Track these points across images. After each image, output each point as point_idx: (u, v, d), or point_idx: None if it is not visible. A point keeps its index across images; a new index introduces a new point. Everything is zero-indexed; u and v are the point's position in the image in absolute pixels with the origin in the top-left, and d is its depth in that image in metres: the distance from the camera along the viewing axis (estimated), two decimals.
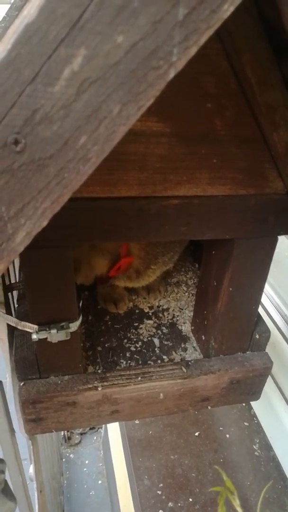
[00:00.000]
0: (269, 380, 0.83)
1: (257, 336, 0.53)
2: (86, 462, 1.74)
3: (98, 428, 1.87)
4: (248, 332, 0.52)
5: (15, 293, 0.57)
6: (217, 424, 0.81)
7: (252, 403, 0.86)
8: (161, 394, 0.52)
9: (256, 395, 0.56)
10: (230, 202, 0.40)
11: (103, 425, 1.62)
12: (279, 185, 0.41)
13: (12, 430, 0.50)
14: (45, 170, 0.23)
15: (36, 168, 0.23)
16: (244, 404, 0.87)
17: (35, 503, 0.63)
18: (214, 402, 0.55)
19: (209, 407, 0.55)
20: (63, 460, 1.73)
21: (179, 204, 0.39)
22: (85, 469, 1.71)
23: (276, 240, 0.45)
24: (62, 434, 1.79)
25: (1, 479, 0.37)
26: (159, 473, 0.74)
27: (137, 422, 0.83)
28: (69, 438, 1.81)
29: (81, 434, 1.85)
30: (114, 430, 1.17)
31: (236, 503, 0.34)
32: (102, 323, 0.60)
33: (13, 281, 0.58)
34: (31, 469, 0.66)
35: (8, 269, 0.56)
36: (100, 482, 1.66)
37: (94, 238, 0.40)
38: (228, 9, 0.21)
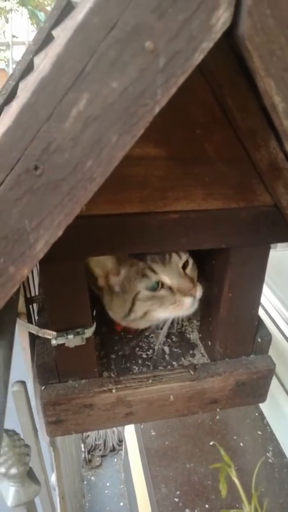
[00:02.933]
0: (281, 389, 0.86)
1: (259, 340, 0.57)
2: (108, 484, 1.75)
3: (119, 451, 1.88)
4: (250, 336, 0.56)
5: (35, 306, 0.62)
6: (231, 434, 0.83)
7: (265, 413, 0.89)
8: (172, 396, 0.55)
9: (262, 397, 0.60)
10: (224, 214, 0.45)
11: (123, 447, 1.64)
12: (267, 199, 0.46)
13: (35, 428, 0.55)
14: (59, 189, 0.28)
15: (52, 188, 0.28)
16: (257, 414, 0.89)
17: (57, 509, 0.66)
18: (222, 404, 0.58)
19: (218, 409, 0.59)
20: (85, 482, 1.74)
21: (178, 218, 0.44)
22: (106, 491, 1.72)
23: (269, 248, 0.49)
24: (83, 456, 1.81)
25: (26, 462, 0.41)
26: (176, 481, 0.76)
27: (153, 433, 0.86)
28: (90, 461, 1.83)
29: (102, 456, 1.87)
30: (134, 451, 1.19)
31: (233, 474, 0.38)
32: (115, 333, 0.65)
33: (33, 294, 0.63)
34: (53, 477, 0.70)
35: (28, 284, 0.62)
36: (122, 504, 1.66)
37: (102, 251, 0.45)
38: (199, 57, 0.26)
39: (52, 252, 0.32)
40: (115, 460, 1.85)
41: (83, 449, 1.80)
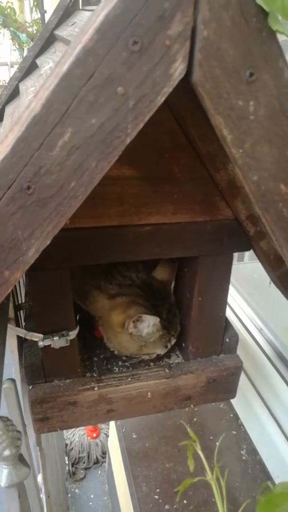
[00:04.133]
0: (254, 392, 0.92)
1: (228, 340, 0.63)
2: (92, 496, 1.76)
3: (102, 463, 1.90)
4: (219, 336, 0.62)
5: (22, 314, 0.67)
6: (207, 434, 0.88)
7: (239, 414, 0.94)
8: (149, 393, 0.61)
9: (232, 393, 0.65)
10: (191, 227, 0.52)
11: (107, 458, 1.66)
12: (228, 213, 0.52)
13: (24, 424, 0.59)
14: (48, 205, 0.34)
15: (42, 204, 0.34)
16: (232, 415, 0.94)
17: (44, 507, 0.70)
18: (196, 401, 0.64)
19: (192, 406, 0.64)
20: (69, 495, 1.76)
21: (151, 230, 0.50)
22: (90, 503, 1.73)
23: (232, 257, 0.56)
24: (67, 469, 1.82)
25: (18, 445, 0.45)
26: (156, 480, 0.81)
27: (134, 436, 0.90)
28: (74, 473, 1.84)
29: (86, 469, 1.88)
30: (117, 458, 1.23)
31: (198, 448, 0.43)
32: (97, 339, 0.70)
33: (20, 302, 0.68)
34: (39, 478, 0.73)
35: (16, 293, 0.67)
36: None
37: (84, 260, 0.51)
38: (161, 99, 0.33)
39: (40, 262, 0.37)
40: (99, 472, 1.87)
41: (67, 462, 1.81)
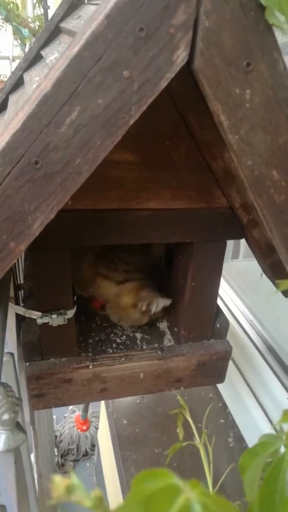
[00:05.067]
0: (242, 381, 0.94)
1: (218, 326, 0.65)
2: None
3: (91, 455, 1.91)
4: (210, 321, 0.64)
5: (21, 294, 0.69)
6: (196, 422, 0.90)
7: (227, 403, 0.97)
8: (141, 374, 0.63)
9: (221, 377, 0.68)
10: (188, 213, 0.54)
11: (96, 452, 1.68)
12: (223, 201, 0.54)
13: (20, 399, 0.61)
14: (54, 180, 0.36)
15: (48, 179, 0.36)
16: (220, 405, 0.97)
17: (35, 485, 0.72)
18: (186, 383, 0.66)
19: (182, 388, 0.66)
20: None
21: (150, 215, 0.53)
22: None
23: (225, 244, 0.58)
24: (56, 460, 1.84)
25: (16, 411, 0.47)
26: (145, 465, 0.83)
27: (125, 422, 0.92)
28: (63, 465, 1.86)
29: (74, 461, 1.90)
30: (107, 451, 1.25)
31: (187, 415, 0.45)
32: (92, 322, 0.72)
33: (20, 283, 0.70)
34: (32, 457, 0.75)
35: (17, 272, 0.69)
36: None
37: (84, 241, 0.53)
38: (164, 84, 0.35)
39: (42, 241, 0.39)
40: (88, 464, 1.89)
41: (56, 453, 1.83)
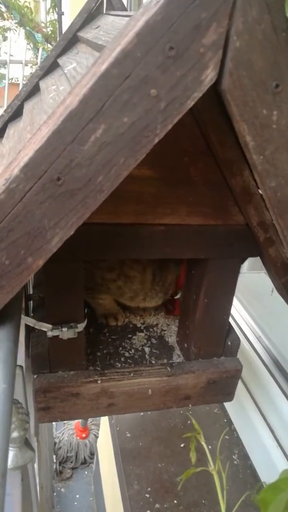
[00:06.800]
0: (248, 397, 0.93)
1: (229, 343, 0.64)
2: (77, 496, 1.76)
3: (90, 463, 1.90)
4: (221, 339, 0.63)
5: (31, 304, 0.68)
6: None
7: (233, 419, 0.95)
8: (150, 390, 0.62)
9: (230, 396, 0.67)
10: (203, 230, 0.53)
11: (95, 459, 1.67)
12: (240, 219, 0.54)
13: (27, 412, 0.60)
14: (75, 197, 0.36)
15: (69, 196, 0.36)
16: (225, 420, 0.95)
17: (38, 497, 0.71)
18: (195, 401, 0.65)
19: (190, 405, 0.65)
20: (55, 494, 1.75)
21: (165, 230, 0.52)
22: (75, 503, 1.73)
23: (240, 261, 0.57)
24: (54, 468, 1.82)
25: (26, 428, 0.47)
26: (148, 479, 0.82)
27: (128, 435, 0.91)
28: (61, 472, 1.84)
29: (73, 468, 1.88)
30: (107, 463, 1.23)
31: (202, 439, 0.44)
32: (101, 334, 0.71)
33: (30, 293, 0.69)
34: (36, 467, 0.74)
35: (28, 283, 0.68)
36: None
37: (99, 254, 0.52)
38: (191, 103, 0.34)
39: (56, 253, 0.39)
40: (86, 472, 1.87)
41: (54, 460, 1.82)
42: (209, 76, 0.34)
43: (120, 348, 0.68)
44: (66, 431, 1.91)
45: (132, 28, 0.32)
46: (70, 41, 0.87)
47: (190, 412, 0.94)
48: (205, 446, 0.46)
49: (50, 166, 0.34)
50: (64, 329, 0.55)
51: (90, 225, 0.48)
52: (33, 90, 0.88)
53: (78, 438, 1.87)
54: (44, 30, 3.45)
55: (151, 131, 0.34)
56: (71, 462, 1.85)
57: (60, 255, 0.43)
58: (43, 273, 0.54)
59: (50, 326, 0.55)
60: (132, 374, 0.61)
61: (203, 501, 0.77)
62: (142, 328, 0.73)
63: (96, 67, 0.34)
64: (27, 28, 3.26)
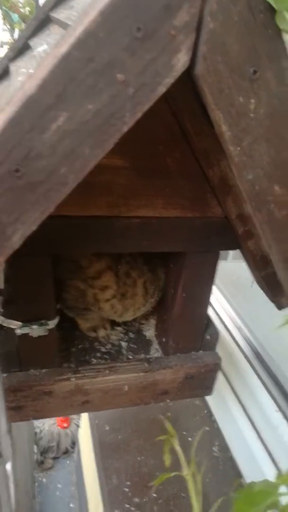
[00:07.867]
0: (229, 388, 0.92)
1: (208, 337, 0.63)
2: (59, 486, 1.76)
3: (71, 453, 1.89)
4: (200, 333, 0.62)
5: None
6: (180, 429, 0.89)
7: (213, 410, 0.95)
8: (126, 387, 0.60)
9: (208, 390, 0.66)
10: (180, 222, 0.51)
11: (76, 449, 1.66)
12: (218, 211, 0.52)
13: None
14: (36, 190, 0.33)
15: (30, 188, 0.33)
16: (206, 412, 0.95)
17: (11, 496, 0.69)
18: (173, 396, 0.64)
19: (168, 400, 0.64)
20: (36, 484, 1.75)
21: (140, 223, 0.49)
22: (57, 493, 1.73)
23: (218, 255, 0.55)
24: (36, 458, 1.81)
25: None
26: (127, 473, 0.81)
27: (107, 428, 0.90)
28: (42, 463, 1.83)
29: (54, 458, 1.87)
30: (87, 448, 1.22)
31: (176, 443, 0.43)
32: (76, 329, 0.69)
33: None
34: (8, 466, 0.73)
35: None
36: (72, 505, 1.68)
37: (70, 248, 0.50)
38: (162, 90, 0.32)
39: (23, 248, 0.36)
40: (67, 462, 1.87)
41: (35, 451, 1.80)
42: (181, 60, 0.31)
43: (96, 343, 0.66)
44: (47, 420, 1.89)
45: (97, 5, 0.29)
46: (43, 22, 0.83)
47: (170, 404, 0.93)
48: (179, 449, 0.45)
49: (7, 156, 0.31)
50: (35, 327, 0.52)
51: (58, 217, 0.46)
52: (3, 74, 0.83)
53: (59, 427, 1.87)
54: (21, 10, 3.32)
55: (119, 119, 0.32)
56: (53, 452, 1.84)
57: (26, 250, 0.41)
58: (9, 268, 0.51)
59: (19, 323, 0.52)
60: (107, 371, 0.59)
61: (183, 494, 0.77)
62: (119, 322, 0.71)
63: (57, 49, 0.31)
64: (3, 8, 3.13)
